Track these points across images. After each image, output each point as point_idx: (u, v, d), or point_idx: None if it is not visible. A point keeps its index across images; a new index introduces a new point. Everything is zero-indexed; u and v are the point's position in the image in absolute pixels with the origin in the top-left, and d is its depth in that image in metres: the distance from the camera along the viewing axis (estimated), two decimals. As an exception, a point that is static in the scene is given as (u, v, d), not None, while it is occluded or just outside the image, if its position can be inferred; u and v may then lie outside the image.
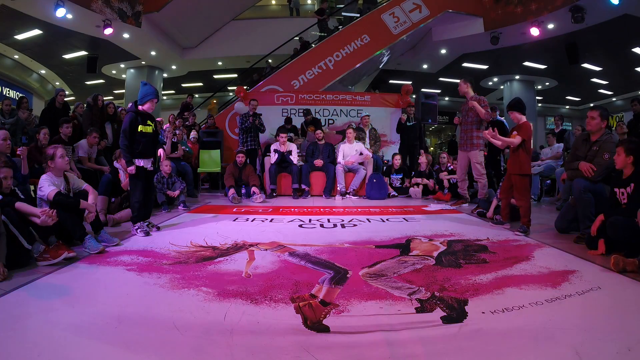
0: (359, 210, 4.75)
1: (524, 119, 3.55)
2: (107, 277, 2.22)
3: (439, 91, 12.05)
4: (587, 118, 3.31)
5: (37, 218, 2.44)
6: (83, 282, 2.13)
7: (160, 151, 3.36)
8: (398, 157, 6.37)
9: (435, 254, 2.71)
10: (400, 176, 6.33)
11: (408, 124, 6.81)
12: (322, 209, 4.79)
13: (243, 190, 5.57)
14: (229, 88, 12.41)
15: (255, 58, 10.61)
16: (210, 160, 6.92)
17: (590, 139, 3.30)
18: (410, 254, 2.72)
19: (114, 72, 12.42)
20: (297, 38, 10.02)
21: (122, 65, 11.91)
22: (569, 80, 12.95)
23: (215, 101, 10.11)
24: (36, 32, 8.92)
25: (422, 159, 6.30)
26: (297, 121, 7.52)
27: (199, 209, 4.79)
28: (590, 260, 2.51)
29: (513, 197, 3.56)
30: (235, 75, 12.33)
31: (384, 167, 6.62)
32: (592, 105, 13.66)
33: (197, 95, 15.39)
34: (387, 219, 4.09)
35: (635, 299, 1.90)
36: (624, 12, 7.61)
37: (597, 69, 11.54)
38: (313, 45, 9.43)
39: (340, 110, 7.91)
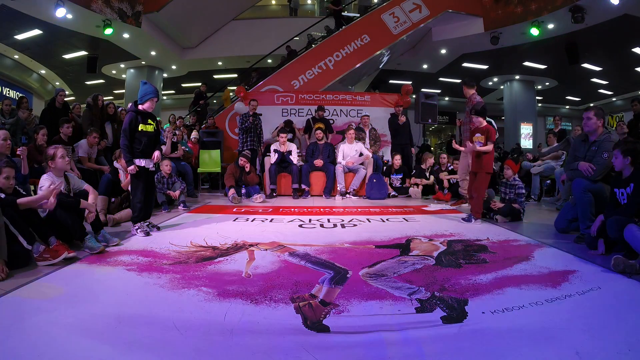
0: (359, 210, 4.75)
1: (484, 122, 3.93)
2: (107, 277, 2.22)
3: (439, 91, 12.06)
4: (583, 119, 3.30)
5: (45, 202, 2.50)
6: (83, 282, 2.12)
7: (156, 154, 3.34)
8: (398, 157, 6.37)
9: (435, 254, 2.71)
10: (400, 176, 6.33)
11: (400, 123, 6.80)
12: (322, 209, 4.79)
13: (243, 190, 5.57)
14: (229, 88, 12.41)
15: (255, 58, 10.61)
16: (210, 160, 6.91)
17: (588, 140, 3.30)
18: (410, 254, 2.72)
19: (114, 72, 12.42)
20: (291, 41, 10.01)
21: (122, 65, 11.91)
22: (569, 80, 12.95)
23: (230, 89, 9.97)
24: (36, 32, 8.92)
25: (429, 160, 6.30)
26: (297, 121, 7.53)
27: (199, 209, 4.79)
28: (590, 260, 2.52)
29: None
30: (235, 75, 12.33)
31: (384, 167, 6.62)
32: (591, 105, 13.67)
33: (197, 96, 15.42)
34: (387, 219, 4.09)
35: (635, 299, 1.90)
36: (624, 12, 7.60)
37: (597, 69, 11.54)
38: (313, 46, 9.42)
39: (340, 110, 7.91)
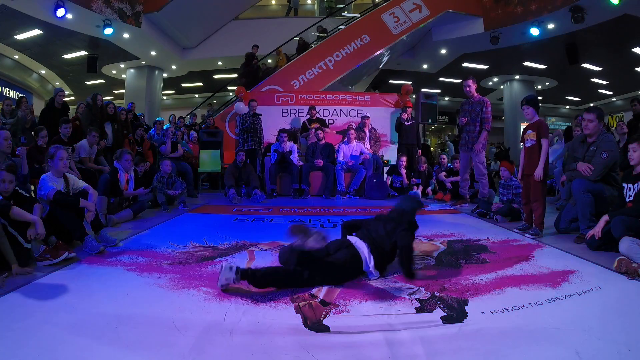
0: (359, 210, 4.75)
1: (537, 116, 3.41)
2: (107, 277, 2.22)
3: (439, 91, 12.04)
4: (584, 121, 3.23)
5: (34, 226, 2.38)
6: (83, 282, 2.13)
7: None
8: (404, 158, 6.33)
9: (435, 254, 2.71)
10: (401, 178, 6.31)
11: (406, 123, 6.79)
12: (322, 209, 4.79)
13: (243, 191, 5.57)
14: (229, 88, 12.41)
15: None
16: (210, 160, 6.91)
17: (587, 140, 3.30)
18: (410, 254, 2.72)
19: (114, 72, 12.41)
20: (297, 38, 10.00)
21: (122, 65, 11.90)
22: (569, 80, 12.95)
23: (282, 55, 9.83)
24: (36, 32, 8.91)
25: (422, 167, 6.29)
26: (297, 122, 7.52)
27: (199, 209, 4.79)
28: (590, 260, 2.51)
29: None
30: (235, 75, 12.31)
31: (389, 166, 6.60)
32: (591, 105, 13.67)
33: (197, 95, 15.42)
34: (387, 219, 4.08)
35: (635, 299, 1.90)
36: (624, 12, 7.61)
37: (597, 69, 11.54)
38: (313, 46, 9.42)
39: (340, 110, 7.90)
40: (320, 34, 9.89)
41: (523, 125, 13.89)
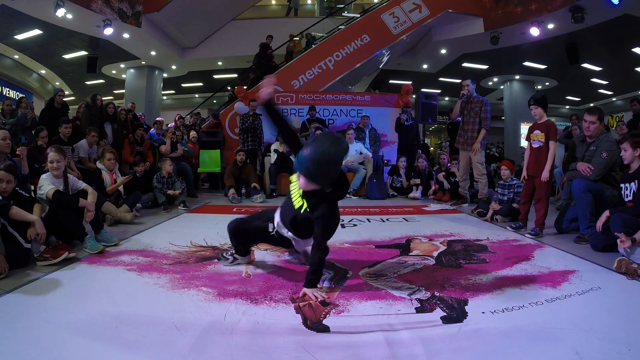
0: (359, 210, 4.75)
1: (545, 116, 3.35)
2: (107, 277, 2.22)
3: (439, 91, 12.06)
4: (586, 122, 3.20)
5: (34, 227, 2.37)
6: (83, 282, 2.12)
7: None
8: (404, 158, 6.33)
9: (435, 254, 2.71)
10: (402, 179, 6.31)
11: (406, 123, 6.80)
12: (322, 209, 4.78)
13: (243, 190, 5.57)
14: (229, 88, 12.41)
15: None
16: (210, 160, 6.91)
17: (586, 140, 3.30)
18: (410, 254, 2.72)
19: (114, 72, 12.42)
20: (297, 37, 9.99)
21: (122, 65, 11.90)
22: (569, 80, 12.95)
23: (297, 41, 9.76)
24: (36, 32, 8.92)
25: (423, 163, 6.29)
26: (297, 122, 7.52)
27: (199, 209, 4.79)
28: (590, 260, 2.51)
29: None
30: (235, 75, 12.31)
31: (390, 166, 6.60)
32: (591, 105, 13.66)
33: (197, 95, 15.42)
34: (387, 219, 4.09)
35: (635, 299, 1.90)
36: (624, 12, 7.61)
37: (597, 69, 11.54)
38: (314, 46, 9.41)
39: (340, 110, 7.91)
40: (314, 34, 9.89)
41: (523, 125, 13.86)
